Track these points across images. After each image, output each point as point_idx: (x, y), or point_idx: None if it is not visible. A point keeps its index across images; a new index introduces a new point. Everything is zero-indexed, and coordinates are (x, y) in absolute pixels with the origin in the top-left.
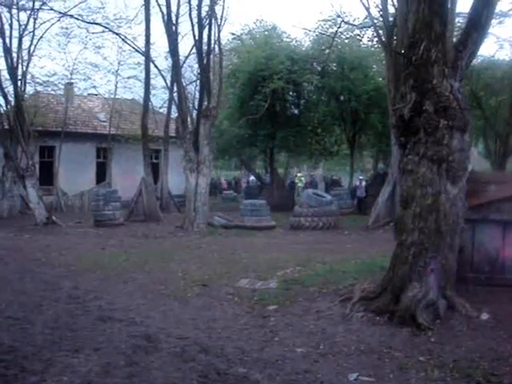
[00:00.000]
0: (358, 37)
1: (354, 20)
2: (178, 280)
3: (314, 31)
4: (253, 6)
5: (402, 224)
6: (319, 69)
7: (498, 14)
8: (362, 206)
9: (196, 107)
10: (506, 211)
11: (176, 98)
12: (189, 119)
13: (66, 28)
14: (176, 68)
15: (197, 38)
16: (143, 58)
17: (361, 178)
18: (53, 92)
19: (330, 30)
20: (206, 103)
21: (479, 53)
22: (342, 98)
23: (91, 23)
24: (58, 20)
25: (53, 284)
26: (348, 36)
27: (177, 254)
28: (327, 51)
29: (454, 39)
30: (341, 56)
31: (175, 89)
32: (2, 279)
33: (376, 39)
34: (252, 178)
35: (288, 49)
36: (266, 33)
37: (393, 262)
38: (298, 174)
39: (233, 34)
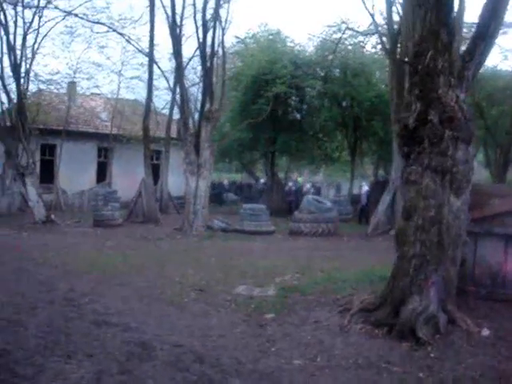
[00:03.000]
0: (361, 43)
1: (358, 27)
2: (174, 284)
3: (318, 37)
4: (257, 11)
5: (404, 235)
6: (322, 74)
7: (502, 24)
8: (363, 215)
9: (198, 109)
10: (509, 225)
11: (178, 100)
12: (191, 121)
13: (71, 27)
14: (179, 70)
15: (201, 40)
16: (147, 58)
17: (363, 185)
18: (56, 90)
19: (334, 36)
20: (208, 106)
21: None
22: (344, 104)
23: (96, 23)
24: (63, 19)
25: (48, 285)
26: (352, 43)
27: (174, 257)
28: (330, 57)
29: (461, 49)
30: (344, 62)
31: (178, 90)
32: None
33: (379, 46)
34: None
35: (291, 53)
36: (270, 37)
37: (393, 274)
38: (299, 179)
39: (237, 37)
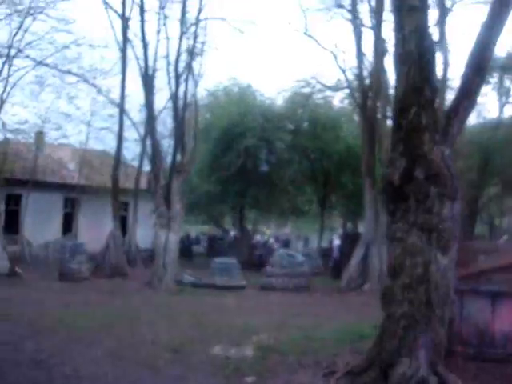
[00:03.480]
0: (330, 98)
1: (326, 81)
2: (147, 344)
3: (288, 91)
4: (226, 64)
5: (391, 294)
6: (292, 128)
7: (484, 81)
8: (336, 269)
9: (168, 162)
10: (495, 282)
11: (149, 152)
12: (161, 174)
13: (41, 77)
14: (151, 121)
15: (173, 91)
16: (117, 109)
17: (334, 238)
18: (23, 140)
19: (304, 90)
20: (179, 158)
21: None
22: (313, 157)
23: (66, 72)
24: (33, 68)
25: (14, 344)
26: (321, 97)
27: (145, 314)
28: (300, 111)
29: (446, 105)
30: (313, 116)
31: (148, 142)
32: None
33: (347, 101)
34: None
35: (262, 107)
36: (240, 90)
37: (380, 335)
38: (267, 232)
39: (207, 89)
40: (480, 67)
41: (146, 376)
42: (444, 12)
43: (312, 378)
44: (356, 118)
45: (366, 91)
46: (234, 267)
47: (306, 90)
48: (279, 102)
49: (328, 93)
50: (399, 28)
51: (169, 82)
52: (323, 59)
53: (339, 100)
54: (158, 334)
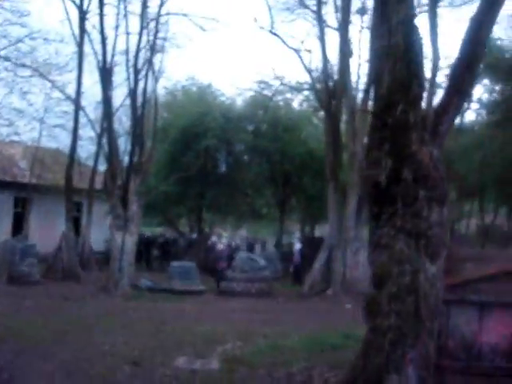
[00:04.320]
0: (290, 100)
1: (288, 82)
2: (104, 356)
3: (249, 90)
4: (187, 62)
5: (376, 305)
6: (252, 129)
7: (476, 77)
8: (298, 274)
9: (125, 161)
10: (483, 292)
11: (106, 150)
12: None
13: None
14: (108, 118)
15: (132, 87)
16: (71, 106)
17: (296, 242)
18: None
19: (265, 91)
20: (137, 157)
21: None
22: (274, 159)
23: (21, 66)
24: None
25: None
26: (282, 98)
27: (101, 322)
28: (261, 112)
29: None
30: (274, 117)
31: (104, 140)
32: None
33: (306, 103)
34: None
35: (222, 107)
36: (200, 89)
37: (364, 349)
38: (224, 234)
39: (165, 88)
40: (471, 62)
41: None
42: (434, 2)
43: None
44: (315, 120)
45: (331, 92)
46: (192, 271)
47: (268, 91)
48: (239, 102)
49: (289, 94)
50: (385, 20)
51: (128, 78)
52: (286, 60)
53: (298, 102)
54: (116, 345)
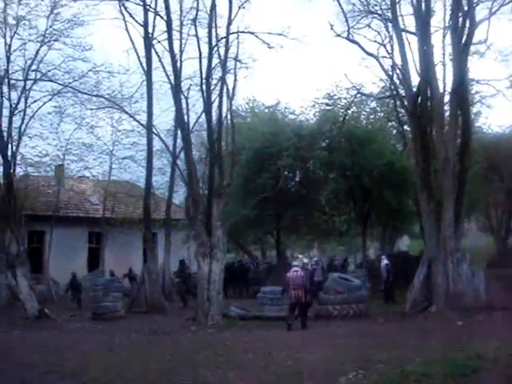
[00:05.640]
0: (369, 109)
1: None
2: None
3: (321, 103)
4: (255, 81)
5: None
6: (325, 144)
7: None
8: (389, 292)
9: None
10: None
11: (184, 177)
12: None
13: (59, 107)
14: (186, 142)
15: (206, 108)
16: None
17: (383, 258)
18: (44, 173)
19: (339, 103)
20: (218, 181)
21: (493, 128)
22: (350, 174)
23: (92, 95)
24: (50, 99)
25: None
26: (357, 110)
27: (202, 356)
28: (336, 125)
29: None
30: (349, 130)
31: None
32: None
33: (381, 112)
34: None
35: (294, 124)
36: (269, 110)
37: None
38: (299, 256)
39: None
40: None
41: None
42: None
43: None
44: (390, 129)
45: (416, 97)
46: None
47: (341, 103)
48: (311, 117)
49: (373, 104)
50: None
51: (203, 96)
52: (357, 70)
53: (368, 113)
54: (229, 381)
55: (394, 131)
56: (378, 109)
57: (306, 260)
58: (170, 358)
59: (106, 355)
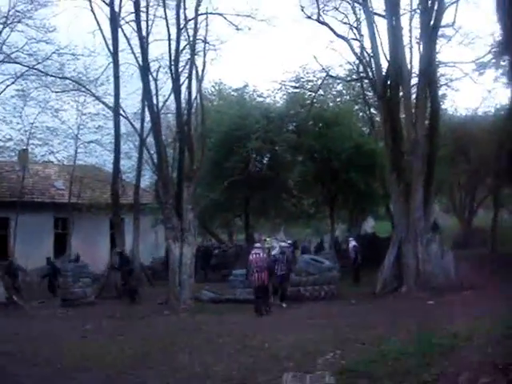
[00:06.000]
0: (334, 92)
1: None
2: (201, 380)
3: (290, 87)
4: (221, 64)
5: None
6: (293, 127)
7: None
8: (356, 272)
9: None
10: None
11: (153, 160)
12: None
13: (23, 90)
14: (155, 124)
15: (176, 90)
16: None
17: (351, 240)
18: (8, 158)
19: (308, 86)
20: (187, 165)
21: (459, 111)
22: (318, 157)
23: (59, 77)
24: (14, 82)
25: None
26: (326, 92)
27: (177, 340)
28: (304, 108)
29: None
30: (318, 113)
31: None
32: None
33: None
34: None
35: (262, 107)
36: (237, 93)
37: None
38: (267, 239)
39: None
40: None
41: None
42: None
43: None
44: (357, 112)
45: (385, 79)
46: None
47: (310, 85)
48: (279, 100)
49: (339, 87)
50: None
51: (173, 79)
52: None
53: (336, 94)
54: (205, 364)
55: (361, 114)
56: (344, 92)
57: (283, 243)
58: (145, 342)
59: (79, 342)
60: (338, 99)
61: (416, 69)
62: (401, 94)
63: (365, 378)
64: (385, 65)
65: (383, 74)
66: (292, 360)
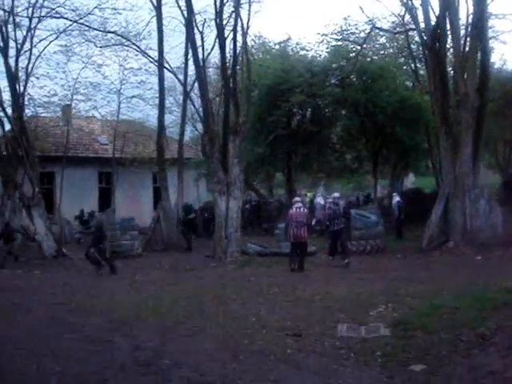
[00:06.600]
0: (377, 45)
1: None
2: (257, 329)
3: (334, 39)
4: (264, 18)
5: None
6: (337, 81)
7: None
8: (400, 229)
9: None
10: None
11: (199, 114)
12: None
13: (66, 45)
14: (201, 79)
15: (221, 43)
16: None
17: (394, 195)
18: (51, 114)
19: (352, 38)
20: (233, 118)
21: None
22: (362, 111)
23: (100, 31)
24: (56, 38)
25: (104, 342)
26: (371, 45)
27: (228, 291)
28: (349, 61)
29: None
30: (362, 66)
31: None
32: (33, 334)
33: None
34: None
35: (305, 60)
36: (280, 46)
37: None
38: (308, 194)
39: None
40: None
41: (289, 374)
42: None
43: (499, 360)
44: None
45: (435, 31)
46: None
47: (353, 38)
48: (323, 53)
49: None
50: None
51: (218, 33)
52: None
53: (379, 47)
54: (260, 315)
55: (405, 67)
56: (387, 45)
57: (336, 194)
58: (196, 293)
59: (131, 293)
60: (381, 52)
61: (464, 21)
62: (450, 45)
63: (419, 330)
64: (432, 17)
65: (432, 24)
66: (344, 312)
